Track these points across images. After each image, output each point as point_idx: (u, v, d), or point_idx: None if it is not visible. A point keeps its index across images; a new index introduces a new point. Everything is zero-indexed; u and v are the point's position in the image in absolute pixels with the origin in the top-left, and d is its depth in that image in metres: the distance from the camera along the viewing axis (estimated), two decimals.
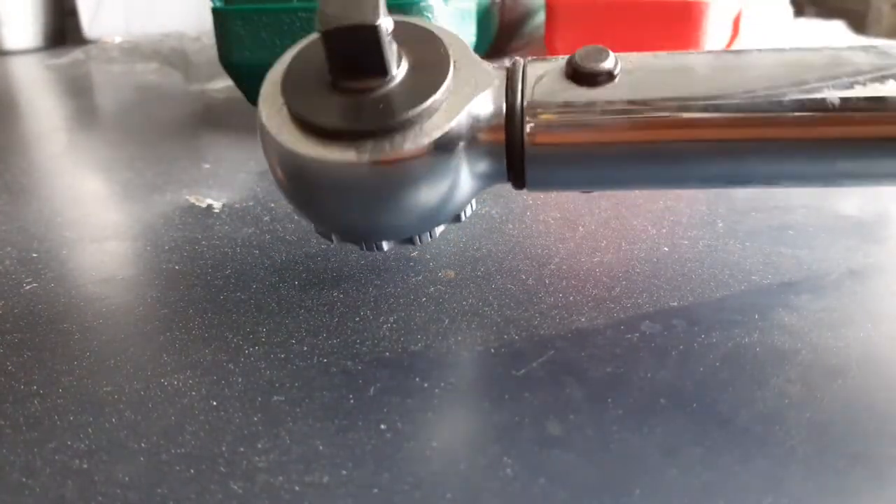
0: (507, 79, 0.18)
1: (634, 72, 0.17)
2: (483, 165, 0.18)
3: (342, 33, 0.15)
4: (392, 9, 0.33)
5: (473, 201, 0.20)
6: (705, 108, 0.17)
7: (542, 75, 0.18)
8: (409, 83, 0.17)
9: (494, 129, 0.17)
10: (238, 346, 0.18)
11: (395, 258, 0.22)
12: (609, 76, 0.17)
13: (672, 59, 0.18)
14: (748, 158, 0.17)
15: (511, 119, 0.17)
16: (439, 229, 0.19)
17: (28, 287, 0.21)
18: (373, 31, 0.15)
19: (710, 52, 0.18)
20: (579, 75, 0.17)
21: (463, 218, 0.19)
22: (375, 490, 0.13)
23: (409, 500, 0.13)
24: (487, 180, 0.18)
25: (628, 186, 0.21)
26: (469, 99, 0.17)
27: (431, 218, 0.18)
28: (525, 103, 0.17)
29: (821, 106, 0.16)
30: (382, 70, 0.16)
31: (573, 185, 0.19)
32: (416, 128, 0.16)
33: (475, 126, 0.17)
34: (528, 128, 0.17)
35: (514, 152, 0.17)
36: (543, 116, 0.17)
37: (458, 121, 0.16)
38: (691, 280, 0.21)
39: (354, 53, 0.16)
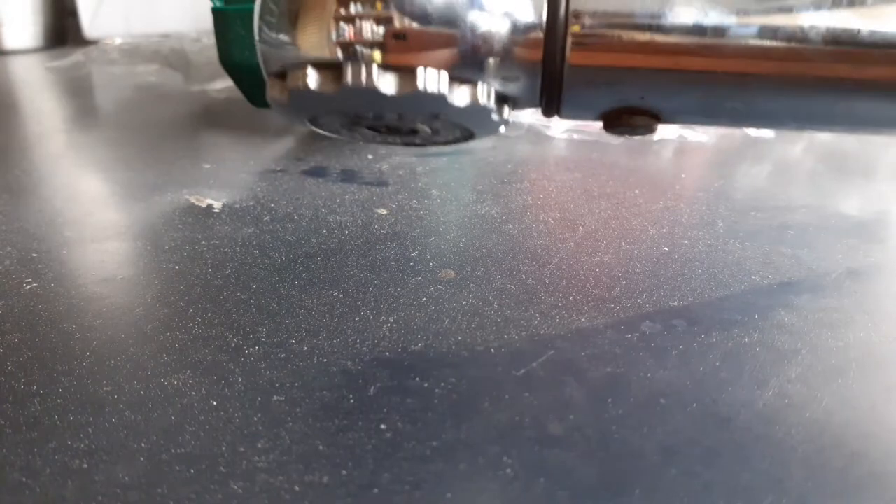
0: None
1: None
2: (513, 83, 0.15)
3: None
4: None
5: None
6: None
7: None
8: None
9: (531, 42, 0.15)
10: (238, 346, 0.18)
11: (395, 258, 0.22)
12: None
13: None
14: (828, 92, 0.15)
15: (552, 28, 0.15)
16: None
17: (28, 287, 0.21)
18: None
19: None
20: None
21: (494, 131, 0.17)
22: (375, 490, 0.13)
23: (409, 500, 0.13)
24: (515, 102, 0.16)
25: (685, 117, 0.17)
26: None
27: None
28: (570, 8, 0.15)
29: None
30: None
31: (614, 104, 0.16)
32: None
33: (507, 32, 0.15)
34: (570, 38, 0.15)
35: (552, 69, 0.15)
36: (590, 24, 0.15)
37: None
38: (691, 280, 0.21)
39: None
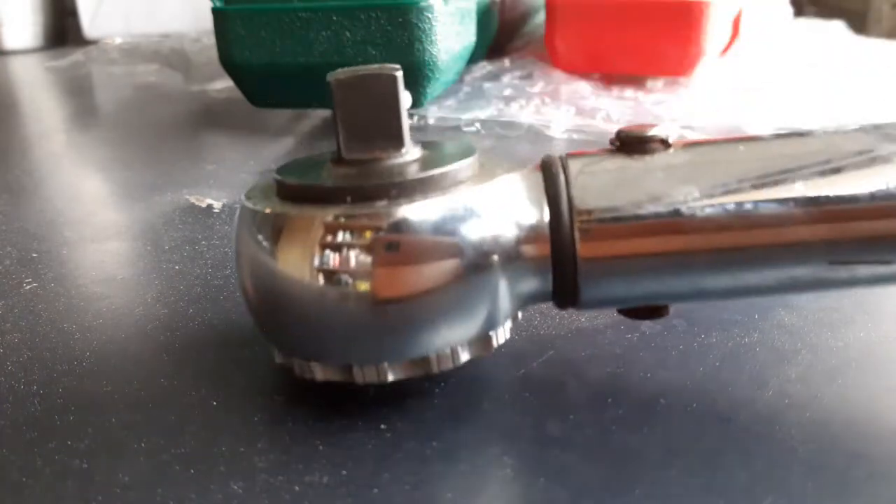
0: (543, 170, 0.15)
1: (689, 147, 0.15)
2: (521, 283, 0.14)
3: (358, 82, 0.14)
4: (391, 8, 0.34)
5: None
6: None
7: (583, 161, 0.15)
8: (428, 157, 0.15)
9: (535, 236, 0.14)
10: (238, 345, 0.18)
11: None
12: (663, 143, 0.15)
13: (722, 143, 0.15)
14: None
15: (557, 219, 0.14)
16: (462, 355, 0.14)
17: (28, 287, 0.21)
18: (391, 82, 0.14)
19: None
20: (629, 142, 0.15)
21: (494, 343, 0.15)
22: (375, 490, 0.13)
23: (408, 500, 0.13)
24: (525, 300, 0.15)
25: (720, 295, 0.16)
26: (498, 176, 0.14)
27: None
28: (571, 192, 0.14)
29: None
30: (398, 136, 0.14)
31: (640, 299, 0.15)
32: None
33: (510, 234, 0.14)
34: (580, 226, 0.14)
35: (563, 263, 0.14)
36: (599, 210, 0.14)
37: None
38: None
39: (368, 110, 0.14)
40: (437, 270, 0.13)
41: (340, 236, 0.13)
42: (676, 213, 0.14)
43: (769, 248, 0.14)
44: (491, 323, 0.14)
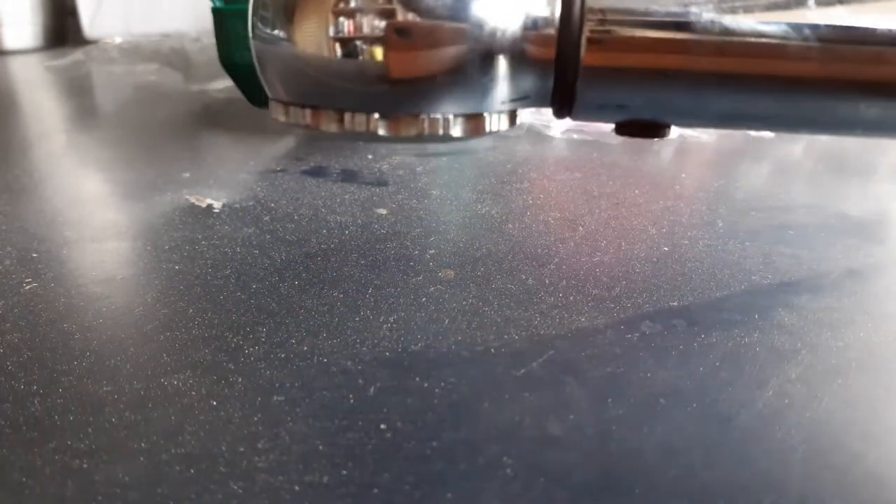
0: None
1: None
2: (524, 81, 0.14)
3: None
4: None
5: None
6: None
7: None
8: None
9: (542, 36, 0.14)
10: (238, 346, 0.18)
11: (395, 258, 0.22)
12: None
13: None
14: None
15: (566, 24, 0.14)
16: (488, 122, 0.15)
17: (28, 287, 0.21)
18: None
19: None
20: None
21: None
22: (375, 490, 0.13)
23: (409, 501, 0.13)
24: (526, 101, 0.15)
25: (701, 119, 0.15)
26: None
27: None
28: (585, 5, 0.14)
29: None
30: None
31: (630, 112, 0.15)
32: None
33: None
34: (590, 29, 0.13)
35: (566, 67, 0.14)
36: (610, 11, 0.13)
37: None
38: (691, 280, 0.21)
39: None
40: (443, 47, 0.13)
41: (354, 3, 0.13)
42: (687, 25, 0.13)
43: (784, 76, 0.13)
44: (486, 105, 0.14)
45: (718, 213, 0.26)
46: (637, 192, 0.29)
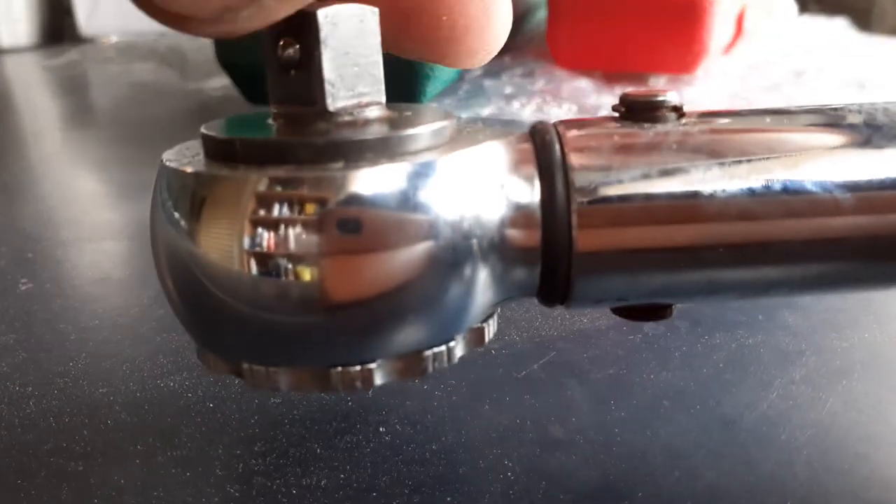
0: (534, 138, 0.12)
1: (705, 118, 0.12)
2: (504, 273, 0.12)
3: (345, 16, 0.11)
4: None
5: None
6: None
7: (582, 128, 0.12)
8: (397, 117, 0.11)
9: (524, 218, 0.11)
10: None
11: None
12: (676, 111, 0.12)
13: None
14: None
15: (550, 197, 0.11)
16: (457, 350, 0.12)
17: (23, 287, 0.21)
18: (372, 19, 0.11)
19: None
20: (636, 107, 0.12)
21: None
22: (374, 494, 0.13)
23: None
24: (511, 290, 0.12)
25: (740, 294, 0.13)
26: (478, 143, 0.11)
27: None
28: (569, 163, 0.11)
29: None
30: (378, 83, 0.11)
31: (644, 296, 0.13)
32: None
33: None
34: (578, 208, 0.11)
35: (554, 255, 0.11)
36: (601, 186, 0.11)
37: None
38: None
39: (351, 49, 0.11)
40: (405, 258, 0.10)
41: (277, 208, 0.10)
42: (695, 193, 0.11)
43: (805, 240, 0.11)
44: (459, 326, 0.12)
45: None
46: None
